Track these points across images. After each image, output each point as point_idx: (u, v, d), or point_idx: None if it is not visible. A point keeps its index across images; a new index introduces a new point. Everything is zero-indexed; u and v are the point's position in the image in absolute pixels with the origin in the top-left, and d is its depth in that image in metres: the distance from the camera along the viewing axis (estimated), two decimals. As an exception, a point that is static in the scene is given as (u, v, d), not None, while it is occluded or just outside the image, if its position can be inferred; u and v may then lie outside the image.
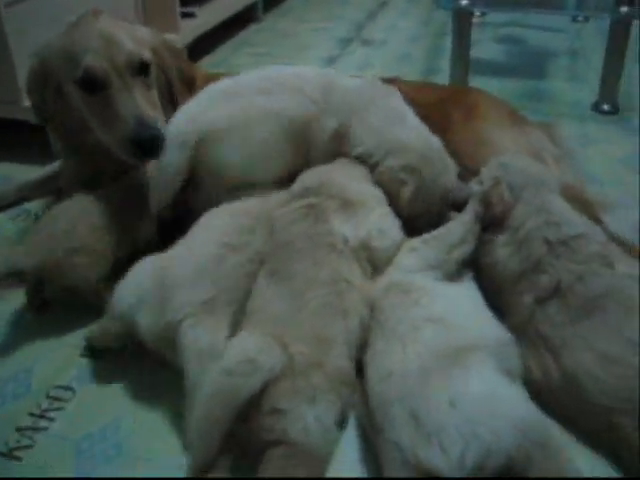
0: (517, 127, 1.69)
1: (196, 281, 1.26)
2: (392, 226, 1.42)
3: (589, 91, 2.60)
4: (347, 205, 1.38)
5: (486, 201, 1.40)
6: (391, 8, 4.04)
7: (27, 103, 1.77)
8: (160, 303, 1.23)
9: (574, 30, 3.41)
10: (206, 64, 3.14)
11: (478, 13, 3.39)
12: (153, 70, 1.59)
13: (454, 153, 1.63)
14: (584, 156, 2.15)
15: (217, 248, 1.33)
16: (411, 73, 2.89)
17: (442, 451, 0.97)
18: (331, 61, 3.14)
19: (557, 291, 1.26)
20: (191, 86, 1.74)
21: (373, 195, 1.45)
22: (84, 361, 1.37)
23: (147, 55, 1.57)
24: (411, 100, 1.69)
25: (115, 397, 1.29)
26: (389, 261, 1.37)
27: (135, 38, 1.57)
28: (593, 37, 3.29)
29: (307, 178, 1.46)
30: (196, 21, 3.06)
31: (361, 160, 1.52)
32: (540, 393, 1.25)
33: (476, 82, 2.69)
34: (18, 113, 2.08)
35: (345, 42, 3.40)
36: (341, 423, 1.18)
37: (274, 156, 1.55)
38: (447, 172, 1.52)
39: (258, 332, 1.17)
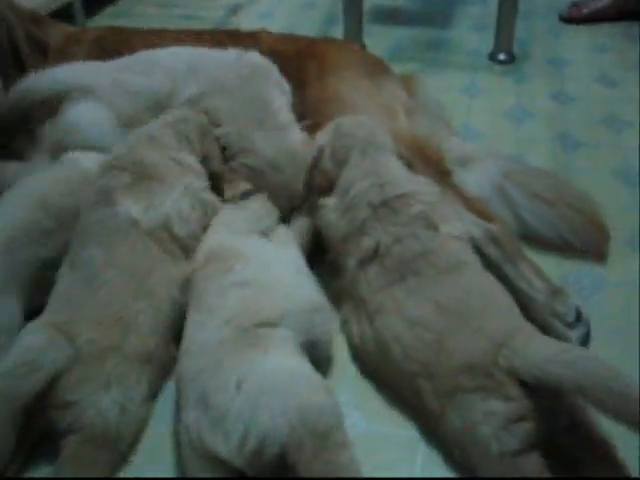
0: (370, 80, 1.63)
1: None
2: (191, 210, 1.33)
3: (491, 40, 2.52)
4: (142, 181, 1.29)
5: (310, 172, 1.38)
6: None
7: None
8: None
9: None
10: (108, 15, 3.04)
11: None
12: None
13: (308, 109, 1.58)
14: (468, 107, 2.12)
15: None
16: (311, 22, 2.84)
17: (224, 436, 0.94)
18: (235, 10, 3.05)
19: (377, 254, 1.23)
20: (44, 51, 1.67)
21: (180, 167, 1.36)
22: None
23: None
24: (273, 52, 1.66)
25: None
26: (197, 240, 1.32)
27: None
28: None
29: (116, 148, 1.38)
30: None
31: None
32: (359, 358, 1.24)
33: (374, 31, 2.67)
34: None
35: (253, -11, 3.29)
36: (150, 399, 1.15)
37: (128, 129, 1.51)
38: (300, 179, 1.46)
39: (43, 324, 1.12)
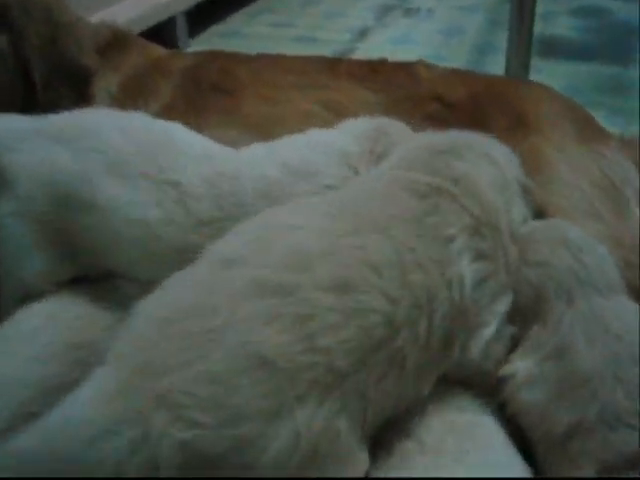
0: (587, 146, 1.10)
1: None
2: None
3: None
4: None
5: None
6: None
7: None
8: None
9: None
10: (214, 35, 2.67)
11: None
12: None
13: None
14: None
15: None
16: (456, 53, 2.37)
17: None
18: (363, 33, 2.61)
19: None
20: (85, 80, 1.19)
21: None
22: None
23: None
24: (434, 97, 1.20)
25: None
26: None
27: None
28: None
29: None
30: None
31: None
32: None
33: (541, 67, 2.18)
34: None
35: (383, 10, 2.86)
36: None
37: None
38: None
39: None
